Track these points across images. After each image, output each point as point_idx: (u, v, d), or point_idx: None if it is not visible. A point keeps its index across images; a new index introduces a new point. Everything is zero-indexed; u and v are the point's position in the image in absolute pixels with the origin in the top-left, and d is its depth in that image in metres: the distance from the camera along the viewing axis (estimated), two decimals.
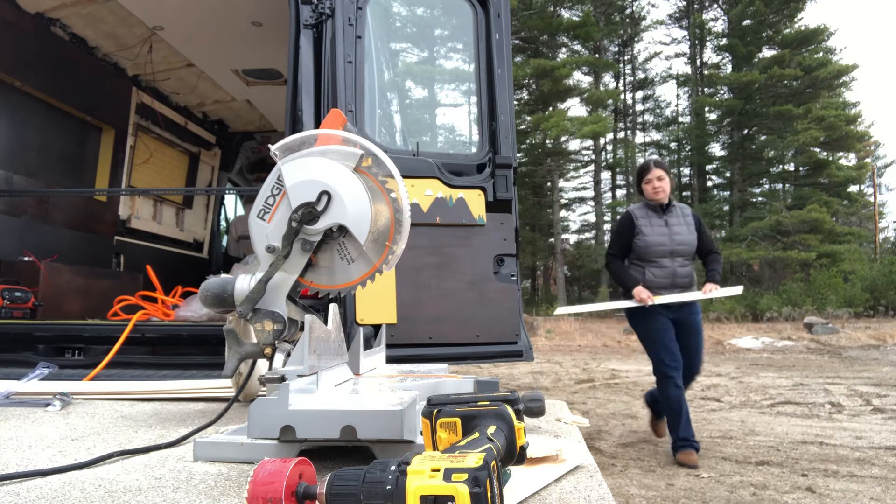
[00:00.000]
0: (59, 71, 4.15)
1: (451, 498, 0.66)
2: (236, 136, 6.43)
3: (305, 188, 1.33)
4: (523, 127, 27.37)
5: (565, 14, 29.42)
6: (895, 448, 3.98)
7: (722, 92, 28.99)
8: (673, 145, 32.14)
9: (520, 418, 0.92)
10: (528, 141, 28.07)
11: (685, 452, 3.57)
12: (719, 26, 29.74)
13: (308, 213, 1.32)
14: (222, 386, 2.05)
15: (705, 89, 29.79)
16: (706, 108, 29.33)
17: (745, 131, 28.27)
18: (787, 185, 29.29)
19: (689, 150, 30.22)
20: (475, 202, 2.63)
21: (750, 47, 27.09)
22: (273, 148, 1.37)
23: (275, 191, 1.35)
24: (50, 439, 1.44)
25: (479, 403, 0.92)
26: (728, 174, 29.55)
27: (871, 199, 31.89)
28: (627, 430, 4.63)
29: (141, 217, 5.34)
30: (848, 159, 29.62)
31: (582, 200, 32.42)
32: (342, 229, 1.36)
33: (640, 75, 33.36)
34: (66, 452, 1.29)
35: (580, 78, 30.03)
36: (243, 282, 1.39)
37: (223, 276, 1.48)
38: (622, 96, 32.63)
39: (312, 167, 1.34)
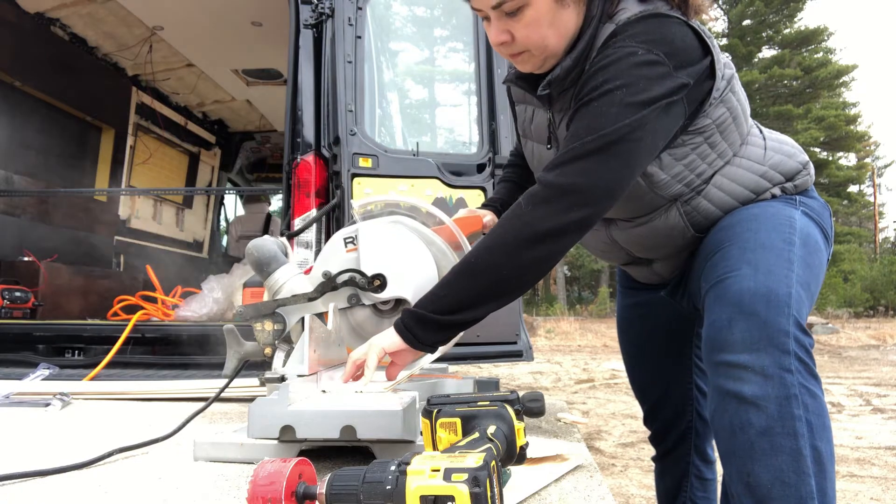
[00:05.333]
0: (59, 71, 4.15)
1: (451, 498, 0.66)
2: (236, 136, 6.43)
3: (373, 259, 1.34)
4: None
5: None
6: (895, 448, 3.98)
7: None
8: None
9: (520, 418, 0.92)
10: None
11: None
12: (719, 26, 29.73)
13: (357, 281, 1.33)
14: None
15: None
16: None
17: None
18: None
19: None
20: (475, 202, 2.63)
21: (750, 47, 27.09)
22: (427, 206, 1.39)
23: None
24: (50, 439, 1.44)
25: (479, 403, 0.92)
26: None
27: (871, 199, 31.93)
28: (627, 430, 4.63)
29: (141, 217, 5.34)
30: (848, 159, 29.64)
31: None
32: (398, 303, 1.37)
33: None
34: (66, 452, 1.29)
35: None
36: (286, 273, 1.38)
37: (279, 244, 1.44)
38: None
39: (403, 246, 1.36)
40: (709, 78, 1.14)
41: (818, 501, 1.00)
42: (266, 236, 1.45)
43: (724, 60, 1.19)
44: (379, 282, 1.33)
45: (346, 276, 1.33)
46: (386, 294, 1.34)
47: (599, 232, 1.37)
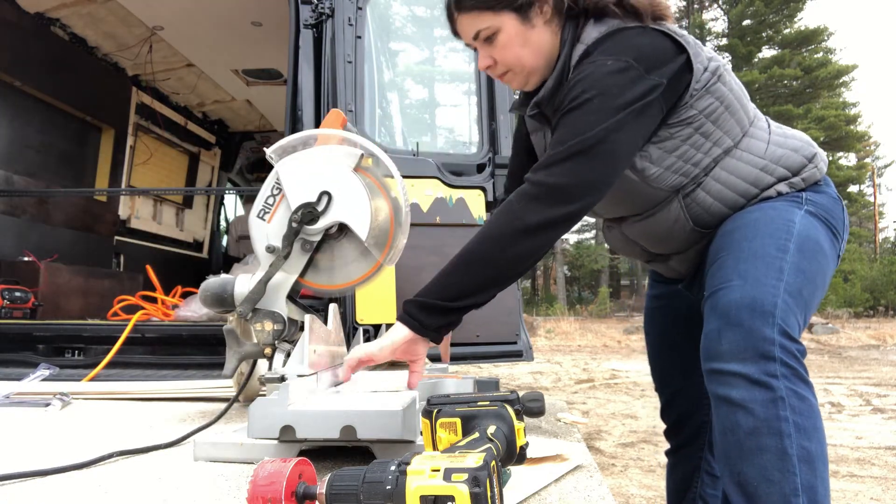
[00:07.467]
0: (59, 71, 4.15)
1: (451, 498, 0.66)
2: (236, 136, 6.43)
3: (305, 188, 1.33)
4: None
5: None
6: (895, 448, 3.98)
7: None
8: None
9: (520, 418, 0.92)
10: None
11: None
12: (719, 26, 29.75)
13: (308, 213, 1.32)
14: (222, 386, 2.05)
15: None
16: None
17: None
18: None
19: None
20: (475, 202, 2.63)
21: (750, 47, 27.09)
22: (269, 151, 1.36)
23: (274, 191, 1.35)
24: (50, 439, 1.44)
25: (479, 403, 0.92)
26: None
27: (871, 199, 31.93)
28: (627, 430, 4.63)
29: (141, 217, 5.34)
30: (848, 159, 29.65)
31: None
32: (342, 229, 1.36)
33: None
34: (66, 452, 1.29)
35: None
36: (243, 283, 1.39)
37: (223, 276, 1.47)
38: None
39: (311, 167, 1.34)
40: (687, 72, 1.19)
41: (806, 498, 1.03)
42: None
43: (707, 54, 1.24)
44: (328, 196, 1.31)
45: (297, 215, 1.31)
46: (326, 221, 1.32)
47: (614, 230, 1.45)
